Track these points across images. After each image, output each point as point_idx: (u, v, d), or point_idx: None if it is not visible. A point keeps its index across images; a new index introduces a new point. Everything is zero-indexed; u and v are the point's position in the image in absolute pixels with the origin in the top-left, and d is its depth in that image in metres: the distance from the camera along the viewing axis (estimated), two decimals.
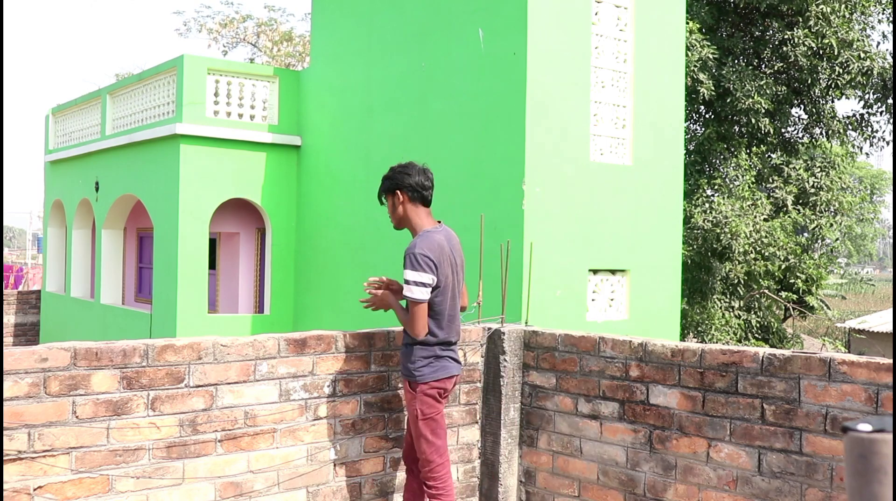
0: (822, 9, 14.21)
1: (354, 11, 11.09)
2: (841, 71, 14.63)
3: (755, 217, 13.57)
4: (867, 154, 17.41)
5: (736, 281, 13.76)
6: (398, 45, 10.17)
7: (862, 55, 14.46)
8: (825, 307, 16.18)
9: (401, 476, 4.65)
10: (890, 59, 14.90)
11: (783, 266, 14.13)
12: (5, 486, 3.38)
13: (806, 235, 15.72)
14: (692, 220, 13.29)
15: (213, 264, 13.14)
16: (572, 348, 4.65)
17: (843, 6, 14.42)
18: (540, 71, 8.39)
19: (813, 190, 14.89)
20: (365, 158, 10.75)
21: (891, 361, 3.50)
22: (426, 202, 4.23)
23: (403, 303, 4.23)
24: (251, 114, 12.12)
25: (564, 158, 8.60)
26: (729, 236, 13.08)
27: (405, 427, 4.53)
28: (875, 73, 14.62)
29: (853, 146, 16.07)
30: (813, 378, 3.70)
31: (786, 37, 14.52)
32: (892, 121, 15.73)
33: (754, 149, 14.95)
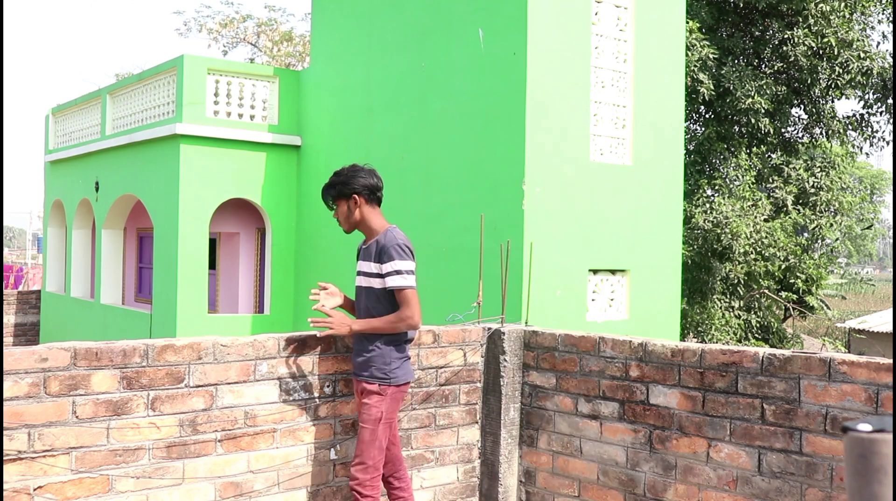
0: (821, 8, 14.21)
1: (354, 11, 11.09)
2: (841, 71, 14.63)
3: (755, 217, 13.58)
4: (867, 154, 17.42)
5: (736, 281, 13.76)
6: (398, 45, 10.17)
7: (862, 55, 14.46)
8: (825, 307, 16.18)
9: None
10: (890, 59, 14.90)
11: (783, 266, 14.13)
12: (5, 486, 3.38)
13: (806, 235, 15.72)
14: (692, 220, 13.29)
15: (213, 264, 13.14)
16: (572, 348, 4.65)
17: (843, 6, 14.42)
18: (540, 71, 8.39)
19: (813, 190, 14.89)
20: (365, 158, 10.70)
21: (891, 361, 3.50)
22: (380, 203, 4.26)
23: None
24: (251, 114, 12.12)
25: (564, 158, 8.60)
26: (729, 236, 13.08)
27: (357, 435, 4.19)
28: (875, 73, 14.62)
29: (853, 146, 16.07)
30: (813, 378, 3.70)
31: (786, 37, 14.52)
32: (892, 121, 15.74)
33: (754, 149, 14.96)
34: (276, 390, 4.12)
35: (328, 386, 4.32)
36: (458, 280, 8.71)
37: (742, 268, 13.61)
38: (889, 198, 44.17)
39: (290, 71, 12.99)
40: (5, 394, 3.39)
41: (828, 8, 14.24)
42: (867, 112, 15.77)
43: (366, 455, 4.00)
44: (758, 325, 14.26)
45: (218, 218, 12.43)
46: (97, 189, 14.20)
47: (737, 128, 15.01)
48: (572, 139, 8.67)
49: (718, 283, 13.72)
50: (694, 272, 13.55)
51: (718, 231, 13.13)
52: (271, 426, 4.12)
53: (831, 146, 15.63)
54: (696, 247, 13.32)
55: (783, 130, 15.68)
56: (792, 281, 14.38)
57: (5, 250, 49.53)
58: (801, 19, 14.51)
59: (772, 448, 3.82)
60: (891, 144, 16.06)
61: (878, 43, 15.91)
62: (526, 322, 5.34)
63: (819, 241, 15.93)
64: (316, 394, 4.28)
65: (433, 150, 9.57)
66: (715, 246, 13.25)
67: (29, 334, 17.84)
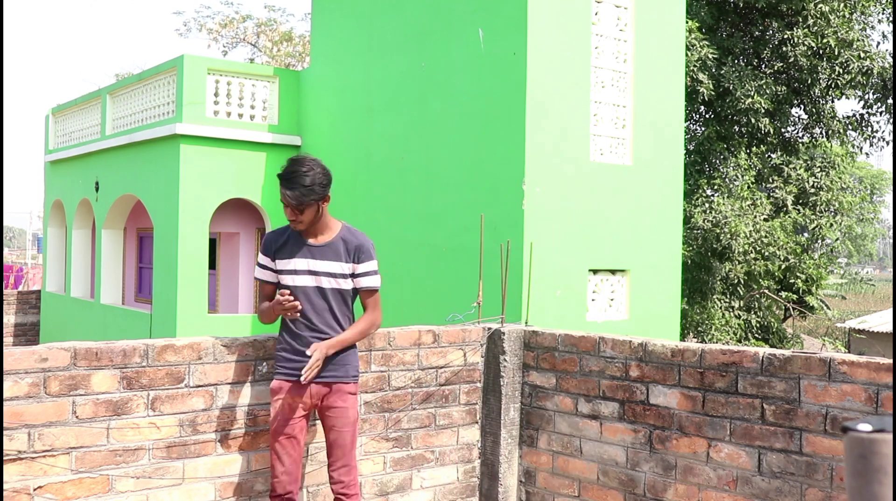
0: (821, 8, 14.21)
1: (354, 11, 11.09)
2: (841, 71, 14.63)
3: (755, 217, 13.58)
4: (867, 154, 17.42)
5: (736, 281, 13.76)
6: (398, 45, 10.17)
7: (862, 55, 14.46)
8: (825, 307, 16.18)
9: (401, 475, 4.65)
10: (890, 59, 14.90)
11: (783, 266, 14.13)
12: (5, 486, 3.38)
13: (806, 235, 15.72)
14: (692, 220, 13.29)
15: (213, 264, 13.14)
16: (572, 348, 4.65)
17: (843, 6, 14.42)
18: (540, 71, 8.39)
19: (813, 190, 14.89)
20: (365, 158, 10.75)
21: (891, 361, 3.50)
22: None
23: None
24: (251, 114, 12.12)
25: (564, 158, 8.60)
26: (729, 236, 13.08)
27: (332, 443, 3.97)
28: (875, 73, 14.62)
29: (853, 146, 16.07)
30: (813, 378, 3.70)
31: (785, 37, 14.52)
32: (892, 121, 15.73)
33: (754, 149, 14.96)
34: None
35: None
36: (458, 280, 8.71)
37: (742, 268, 13.61)
38: (889, 198, 44.17)
39: (290, 71, 12.99)
40: (5, 394, 3.39)
41: (828, 8, 14.24)
42: (867, 112, 15.77)
43: (349, 456, 3.93)
44: (758, 325, 14.26)
45: (218, 218, 12.42)
46: (97, 189, 14.20)
47: (737, 128, 15.02)
48: (572, 139, 8.67)
49: (718, 283, 13.72)
50: (694, 272, 13.55)
51: (718, 231, 13.13)
52: None
53: (831, 146, 15.63)
54: (695, 247, 13.32)
55: (783, 130, 15.68)
56: (792, 281, 14.38)
57: (5, 250, 49.52)
58: (800, 19, 14.51)
59: (772, 448, 3.82)
60: (891, 144, 16.06)
61: (878, 43, 15.91)
62: (526, 322, 5.34)
63: (819, 241, 15.93)
64: None
65: (433, 150, 9.57)
66: (714, 246, 13.25)
67: (29, 334, 17.84)
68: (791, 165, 15.06)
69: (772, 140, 15.22)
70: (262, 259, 3.94)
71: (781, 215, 14.55)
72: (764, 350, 3.91)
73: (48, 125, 16.86)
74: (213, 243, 13.07)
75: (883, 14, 15.56)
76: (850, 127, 15.87)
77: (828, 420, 3.65)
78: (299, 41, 26.33)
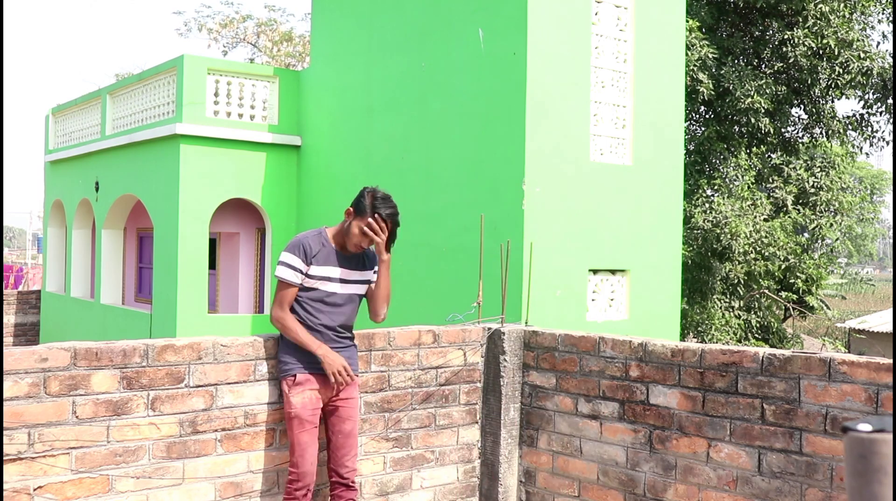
0: (821, 8, 14.21)
1: (354, 11, 11.09)
2: (841, 71, 14.63)
3: (755, 217, 13.58)
4: (867, 154, 17.42)
5: (736, 281, 13.76)
6: (398, 45, 10.17)
7: (862, 55, 14.45)
8: (825, 307, 16.18)
9: (401, 475, 4.65)
10: (890, 59, 14.90)
11: (783, 266, 14.13)
12: (5, 486, 3.38)
13: (806, 235, 15.72)
14: (692, 220, 13.29)
15: (213, 264, 13.15)
16: (572, 348, 4.65)
17: (842, 6, 14.42)
18: (540, 71, 8.39)
19: (813, 190, 14.89)
20: (365, 158, 10.75)
21: (891, 361, 3.50)
22: None
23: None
24: (251, 114, 12.12)
25: (564, 158, 8.60)
26: (729, 236, 13.08)
27: (348, 433, 4.14)
28: (875, 73, 14.62)
29: (853, 146, 16.07)
30: (813, 378, 3.70)
31: (785, 37, 14.52)
32: (892, 121, 15.73)
33: (754, 149, 14.96)
34: (276, 390, 4.12)
35: None
36: (458, 280, 8.71)
37: (742, 268, 13.61)
38: (889, 198, 44.18)
39: (290, 71, 12.99)
40: (5, 394, 3.39)
41: (828, 8, 14.24)
42: (867, 112, 15.76)
43: (356, 445, 4.17)
44: (758, 325, 14.26)
45: (218, 218, 12.43)
46: (97, 189, 14.20)
47: (737, 128, 15.02)
48: (572, 139, 8.67)
49: (718, 283, 13.72)
50: (694, 272, 13.55)
51: (718, 231, 13.13)
52: (271, 426, 4.12)
53: (831, 146, 15.63)
54: (695, 247, 13.32)
55: (783, 130, 15.68)
56: (792, 281, 14.38)
57: (5, 250, 49.53)
58: (800, 19, 14.51)
59: (772, 448, 3.82)
60: (891, 144, 16.06)
61: (878, 43, 15.91)
62: (526, 322, 5.34)
63: (819, 241, 15.93)
64: None
65: (433, 150, 9.57)
66: (714, 246, 13.25)
67: (29, 334, 17.84)
68: (791, 165, 15.06)
69: (772, 140, 15.22)
70: (294, 261, 3.96)
71: (781, 215, 14.55)
72: (764, 350, 3.91)
73: (48, 125, 16.86)
74: (213, 243, 13.07)
75: (883, 14, 15.56)
76: (850, 127, 15.87)
77: (828, 420, 3.65)
78: (299, 41, 26.33)
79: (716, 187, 14.26)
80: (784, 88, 14.65)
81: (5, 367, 3.40)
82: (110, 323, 13.80)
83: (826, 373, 3.66)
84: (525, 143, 8.30)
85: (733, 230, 13.00)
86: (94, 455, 3.62)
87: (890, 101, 15.30)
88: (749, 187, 14.06)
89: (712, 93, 13.48)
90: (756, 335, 14.23)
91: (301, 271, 3.97)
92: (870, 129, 15.94)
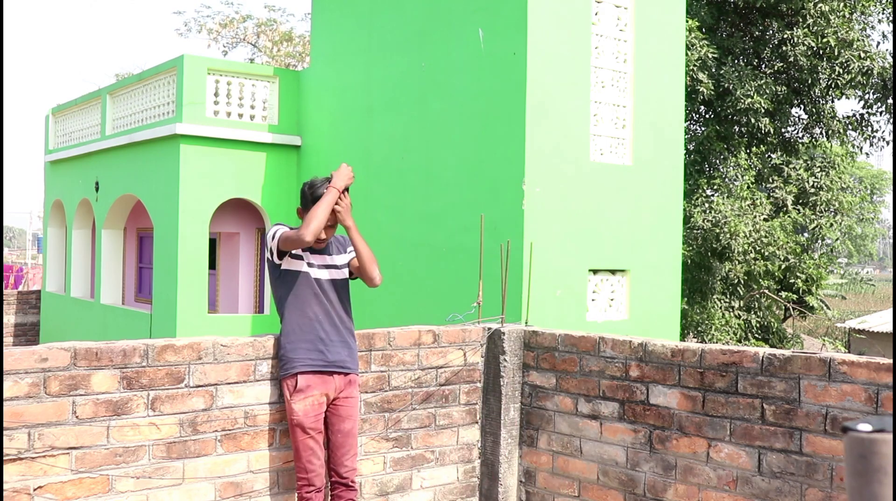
0: (821, 8, 14.21)
1: (354, 11, 11.09)
2: (841, 71, 14.63)
3: (755, 217, 13.58)
4: (867, 154, 17.42)
5: (736, 281, 13.76)
6: (398, 45, 10.17)
7: (862, 55, 14.45)
8: (825, 307, 16.18)
9: (401, 475, 4.65)
10: (890, 59, 14.90)
11: (783, 266, 14.13)
12: (5, 486, 3.38)
13: (806, 235, 15.72)
14: (692, 220, 13.29)
15: (213, 264, 13.15)
16: (572, 348, 4.65)
17: (842, 6, 14.42)
18: (540, 71, 8.39)
19: (813, 190, 14.89)
20: (365, 159, 10.75)
21: (891, 361, 3.50)
22: None
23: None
24: (251, 114, 12.12)
25: (564, 158, 8.60)
26: (728, 236, 13.08)
27: (348, 432, 4.15)
28: (875, 73, 14.62)
29: (853, 146, 16.07)
30: (813, 378, 3.70)
31: (785, 36, 14.52)
32: (892, 121, 15.73)
33: (754, 149, 14.95)
34: (276, 390, 4.12)
35: None
36: (458, 280, 8.71)
37: (742, 268, 13.61)
38: (889, 198, 44.18)
39: (290, 71, 12.99)
40: (5, 394, 3.39)
41: (827, 8, 14.24)
42: (867, 112, 15.76)
43: (356, 444, 4.19)
44: (758, 325, 14.27)
45: (218, 218, 12.43)
46: (97, 189, 14.20)
47: (736, 128, 15.02)
48: (572, 139, 8.67)
49: (718, 283, 13.72)
50: (694, 272, 13.55)
51: (718, 231, 13.13)
52: (271, 426, 4.12)
53: (831, 146, 15.63)
54: (695, 247, 13.32)
55: (783, 130, 15.68)
56: (792, 281, 14.38)
57: (5, 250, 49.52)
58: (800, 19, 14.51)
59: (772, 448, 3.82)
60: (891, 144, 16.06)
61: (878, 43, 15.90)
62: (526, 322, 5.34)
63: (819, 241, 15.93)
64: None
65: (433, 150, 9.57)
66: (714, 246, 13.25)
67: (29, 334, 17.84)
68: (791, 165, 15.06)
69: (772, 140, 15.22)
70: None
71: (781, 214, 14.55)
72: (764, 350, 3.91)
73: (48, 125, 16.86)
74: (213, 243, 13.07)
75: (883, 14, 15.56)
76: (850, 127, 15.87)
77: (828, 420, 3.65)
78: (299, 41, 26.33)
79: (715, 187, 14.26)
80: (784, 88, 14.65)
81: (5, 367, 3.40)
82: (110, 323, 13.80)
83: (826, 373, 3.66)
84: (525, 143, 8.30)
85: (733, 230, 13.01)
86: (94, 455, 3.62)
87: (890, 101, 15.30)
88: (749, 187, 14.06)
89: (712, 93, 13.48)
90: (756, 335, 14.23)
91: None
92: (870, 129, 15.94)
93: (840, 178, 15.27)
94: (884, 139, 16.27)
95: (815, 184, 14.88)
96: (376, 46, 10.59)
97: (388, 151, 10.30)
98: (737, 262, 13.55)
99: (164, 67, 12.08)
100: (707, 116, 15.22)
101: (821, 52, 14.59)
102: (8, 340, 17.36)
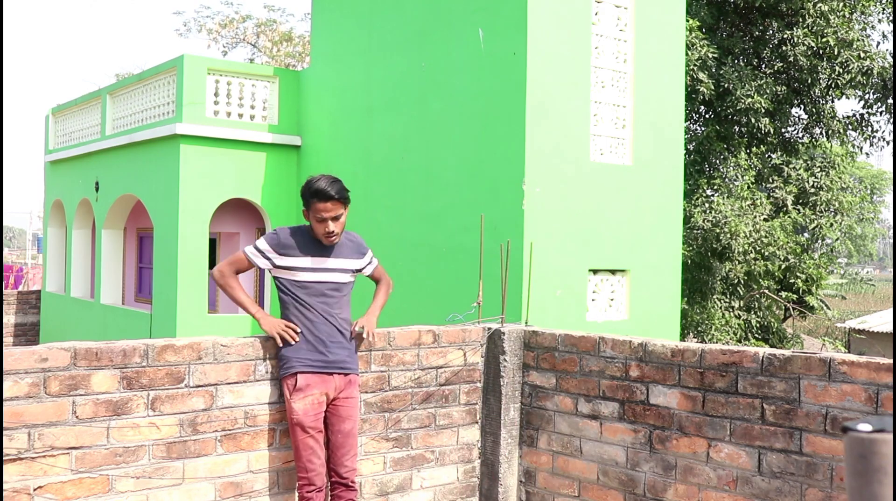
0: (821, 8, 14.21)
1: (354, 11, 11.09)
2: (841, 71, 14.63)
3: (755, 217, 13.58)
4: (867, 154, 17.42)
5: (736, 281, 13.76)
6: (398, 45, 10.17)
7: (862, 55, 14.45)
8: (825, 307, 16.18)
9: (401, 475, 4.65)
10: (890, 59, 14.90)
11: (783, 266, 14.13)
12: (5, 486, 3.38)
13: (806, 235, 15.72)
14: (692, 220, 13.29)
15: (213, 264, 13.14)
16: (572, 348, 4.65)
17: (842, 6, 14.42)
18: (540, 71, 8.39)
19: (813, 190, 14.89)
20: (365, 158, 10.75)
21: (891, 361, 3.50)
22: None
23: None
24: (251, 114, 12.12)
25: (564, 158, 8.60)
26: (729, 236, 13.08)
27: (348, 432, 4.15)
28: (875, 73, 14.62)
29: (853, 146, 16.07)
30: (813, 378, 3.70)
31: (785, 36, 14.52)
32: (892, 121, 15.74)
33: (754, 149, 14.95)
34: (276, 390, 4.12)
35: None
36: (458, 280, 8.71)
37: (742, 268, 13.61)
38: (889, 198, 44.17)
39: (290, 71, 12.99)
40: (5, 394, 3.39)
41: (827, 8, 14.24)
42: (867, 112, 15.76)
43: (356, 444, 4.19)
44: (758, 325, 14.27)
45: (218, 218, 12.43)
46: (97, 189, 14.20)
47: (736, 128, 15.02)
48: (572, 139, 8.67)
49: (718, 283, 13.72)
50: (694, 272, 13.55)
51: (718, 231, 13.13)
52: (271, 426, 4.12)
53: (831, 146, 15.63)
54: (695, 247, 13.32)
55: (783, 130, 15.68)
56: (792, 281, 14.39)
57: (5, 250, 49.52)
58: (800, 19, 14.51)
59: (772, 448, 3.82)
60: (891, 144, 16.06)
61: (878, 43, 15.91)
62: (526, 322, 5.34)
63: (819, 241, 15.93)
64: None
65: (433, 150, 9.57)
66: (714, 246, 13.25)
67: (29, 334, 17.84)
68: (791, 165, 15.06)
69: (772, 140, 15.21)
70: (265, 248, 4.08)
71: (781, 215, 14.55)
72: (764, 350, 3.91)
73: (48, 125, 16.86)
74: (213, 243, 13.07)
75: (883, 14, 15.56)
76: (850, 127, 15.87)
77: (828, 420, 3.65)
78: (299, 41, 26.33)
79: (716, 187, 14.26)
80: (784, 87, 14.65)
81: (5, 367, 3.40)
82: (110, 323, 13.80)
83: (826, 373, 3.66)
84: (525, 143, 8.30)
85: (733, 230, 13.01)
86: (94, 455, 3.62)
87: (890, 101, 15.30)
88: (749, 187, 14.06)
89: (712, 93, 13.48)
90: (756, 335, 14.23)
91: (267, 258, 4.08)
92: (870, 129, 15.94)
93: (840, 178, 15.27)
94: (884, 139, 16.27)
95: (815, 184, 14.88)
96: (376, 46, 10.59)
97: (388, 151, 10.30)
98: (737, 262, 13.55)
99: (164, 67, 12.08)
100: (707, 116, 15.22)
101: (821, 52, 14.59)
102: (8, 340, 17.36)
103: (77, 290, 15.52)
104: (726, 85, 13.80)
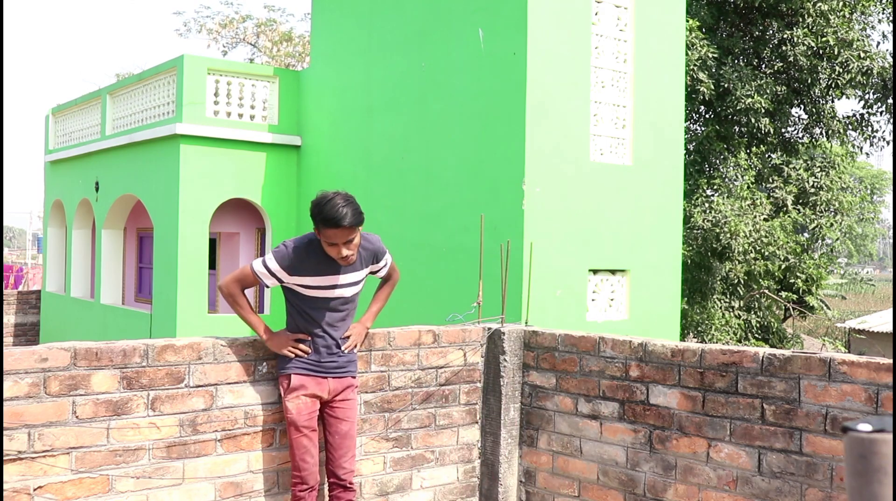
0: (821, 8, 14.21)
1: (354, 11, 11.09)
2: (841, 71, 14.63)
3: (755, 217, 13.58)
4: (867, 154, 17.43)
5: (736, 281, 13.76)
6: (398, 45, 10.17)
7: (862, 55, 14.45)
8: (825, 307, 16.18)
9: (401, 475, 4.65)
10: (890, 59, 14.90)
11: (783, 266, 14.13)
12: (5, 486, 3.38)
13: (806, 235, 15.72)
14: (692, 220, 13.29)
15: (213, 264, 13.14)
16: (572, 348, 4.65)
17: (842, 6, 14.42)
18: (540, 71, 8.39)
19: (813, 190, 14.89)
20: (365, 158, 10.75)
21: (891, 361, 3.50)
22: None
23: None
24: (251, 114, 12.12)
25: (564, 158, 8.60)
26: (728, 235, 13.08)
27: (345, 434, 4.14)
28: (875, 72, 14.62)
29: (853, 146, 16.07)
30: (813, 378, 3.70)
31: (785, 36, 14.52)
32: (892, 121, 15.73)
33: (754, 149, 14.96)
34: (276, 390, 4.12)
35: None
36: (458, 280, 8.71)
37: (742, 268, 13.61)
38: (889, 198, 44.17)
39: (290, 71, 13.00)
40: (5, 394, 3.39)
41: (827, 8, 14.24)
42: (867, 112, 15.77)
43: (354, 446, 4.16)
44: (758, 325, 14.27)
45: (218, 218, 12.43)
46: (97, 189, 14.20)
47: (736, 128, 15.02)
48: (572, 139, 8.67)
49: (718, 283, 13.72)
50: (694, 272, 13.55)
51: (718, 231, 13.13)
52: (271, 426, 4.12)
53: (831, 146, 15.63)
54: (695, 247, 13.32)
55: (783, 130, 15.68)
56: (792, 281, 14.39)
57: (5, 250, 49.52)
58: (800, 19, 14.51)
59: (772, 448, 3.82)
60: (891, 144, 16.06)
61: (878, 43, 15.91)
62: (526, 322, 5.34)
63: (819, 241, 15.93)
64: None
65: (433, 150, 9.57)
66: (714, 246, 13.25)
67: (29, 334, 17.84)
68: (791, 165, 15.06)
69: (772, 140, 15.22)
70: (276, 268, 3.92)
71: (781, 214, 14.55)
72: (764, 350, 3.91)
73: (48, 125, 16.86)
74: (213, 243, 13.07)
75: (883, 14, 15.56)
76: (850, 127, 15.87)
77: (828, 420, 3.65)
78: (299, 41, 26.33)
79: (715, 187, 14.26)
80: (784, 87, 14.65)
81: (5, 367, 3.40)
82: (110, 323, 13.80)
83: (826, 373, 3.66)
84: (525, 143, 8.30)
85: (733, 230, 13.01)
86: (94, 455, 3.62)
87: (890, 101, 15.30)
88: (749, 187, 14.06)
89: (712, 93, 13.48)
90: (756, 335, 14.23)
91: (277, 278, 3.97)
92: (870, 129, 15.94)
93: (840, 178, 15.28)
94: (884, 139, 16.28)
95: (815, 184, 14.88)
96: (376, 46, 10.59)
97: (388, 151, 10.30)
98: (737, 262, 13.55)
99: (164, 67, 12.08)
100: (707, 116, 15.22)
101: (821, 52, 14.59)
102: (8, 340, 17.36)
103: (77, 290, 15.52)
104: (726, 85, 13.80)
